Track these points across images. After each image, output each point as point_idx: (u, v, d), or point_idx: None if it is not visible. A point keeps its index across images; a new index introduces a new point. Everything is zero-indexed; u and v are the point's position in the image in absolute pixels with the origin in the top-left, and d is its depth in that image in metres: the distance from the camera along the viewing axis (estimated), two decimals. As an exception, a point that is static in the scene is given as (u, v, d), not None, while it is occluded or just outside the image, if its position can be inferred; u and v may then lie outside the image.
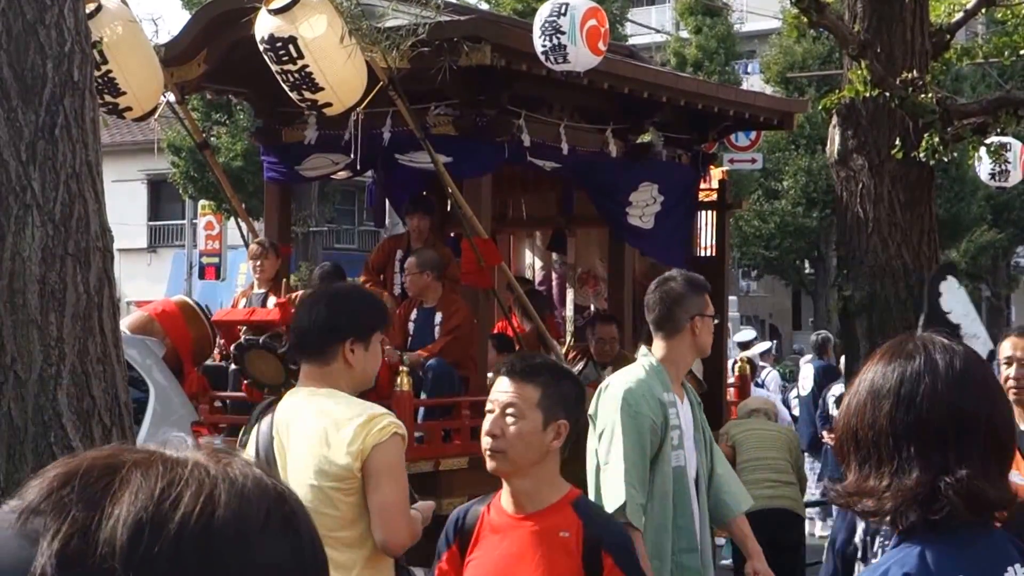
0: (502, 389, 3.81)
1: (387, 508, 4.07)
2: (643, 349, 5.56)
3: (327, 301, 4.34)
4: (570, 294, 11.96)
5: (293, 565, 1.13)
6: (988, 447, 2.36)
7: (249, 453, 4.15)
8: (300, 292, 10.58)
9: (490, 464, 3.79)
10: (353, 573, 4.11)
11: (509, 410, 3.76)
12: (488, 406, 3.84)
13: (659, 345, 5.49)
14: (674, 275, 5.58)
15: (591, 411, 5.41)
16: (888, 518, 2.34)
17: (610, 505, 5.19)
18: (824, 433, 14.24)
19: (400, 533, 4.10)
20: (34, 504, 1.10)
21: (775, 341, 29.78)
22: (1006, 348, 5.39)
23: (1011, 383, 5.20)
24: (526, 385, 3.77)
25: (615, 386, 5.40)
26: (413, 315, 9.40)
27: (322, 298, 4.39)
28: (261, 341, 8.78)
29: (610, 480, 5.27)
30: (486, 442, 3.78)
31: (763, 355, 18.21)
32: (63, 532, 1.07)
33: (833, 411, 13.91)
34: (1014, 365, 5.27)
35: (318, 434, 4.08)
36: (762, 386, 15.54)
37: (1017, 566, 2.34)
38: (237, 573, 1.09)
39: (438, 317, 9.20)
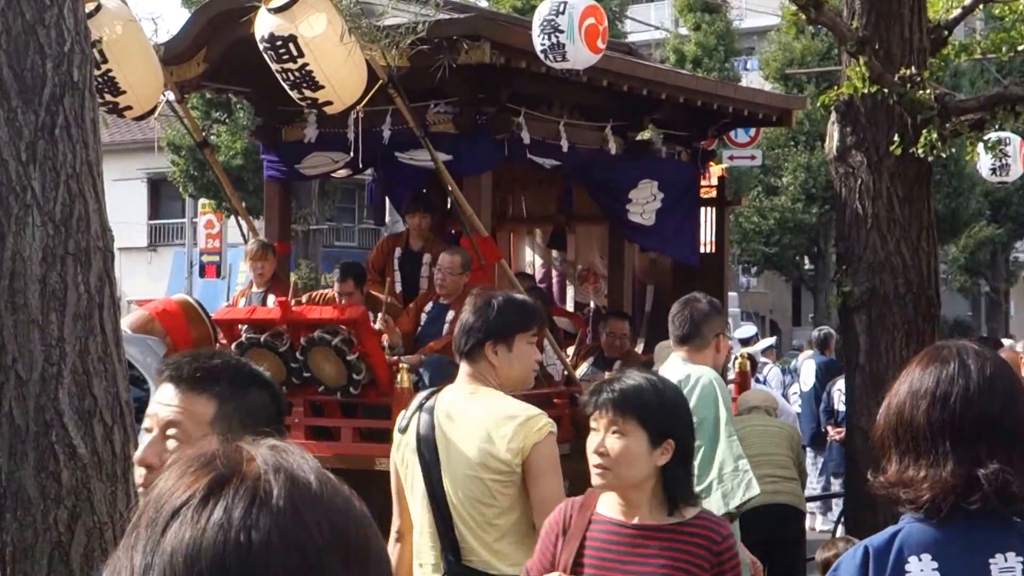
0: (164, 400, 2.78)
1: (548, 500, 4.42)
2: (679, 353, 5.94)
3: (474, 306, 4.68)
4: (570, 291, 11.97)
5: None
6: (1013, 444, 2.61)
7: (410, 435, 4.64)
8: (322, 291, 10.59)
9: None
10: (509, 556, 4.53)
11: (171, 431, 2.74)
12: (145, 422, 2.83)
13: (683, 357, 5.92)
14: (699, 297, 6.09)
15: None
16: (926, 506, 2.58)
17: (742, 496, 5.81)
18: (829, 428, 14.26)
19: None
20: None
21: (776, 337, 29.80)
22: None
23: None
24: (197, 397, 2.74)
25: (709, 379, 5.81)
26: (428, 307, 9.40)
27: (472, 303, 4.72)
28: (262, 340, 8.79)
29: (736, 473, 5.80)
30: (139, 474, 2.78)
31: (764, 351, 18.22)
32: None
33: (838, 406, 13.92)
34: None
35: (480, 431, 4.51)
36: (764, 383, 15.53)
37: (1011, 554, 2.53)
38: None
39: (450, 314, 9.19)
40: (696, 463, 5.50)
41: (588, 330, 11.00)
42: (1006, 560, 2.54)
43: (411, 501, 4.70)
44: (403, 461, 4.72)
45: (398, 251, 10.21)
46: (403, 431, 4.71)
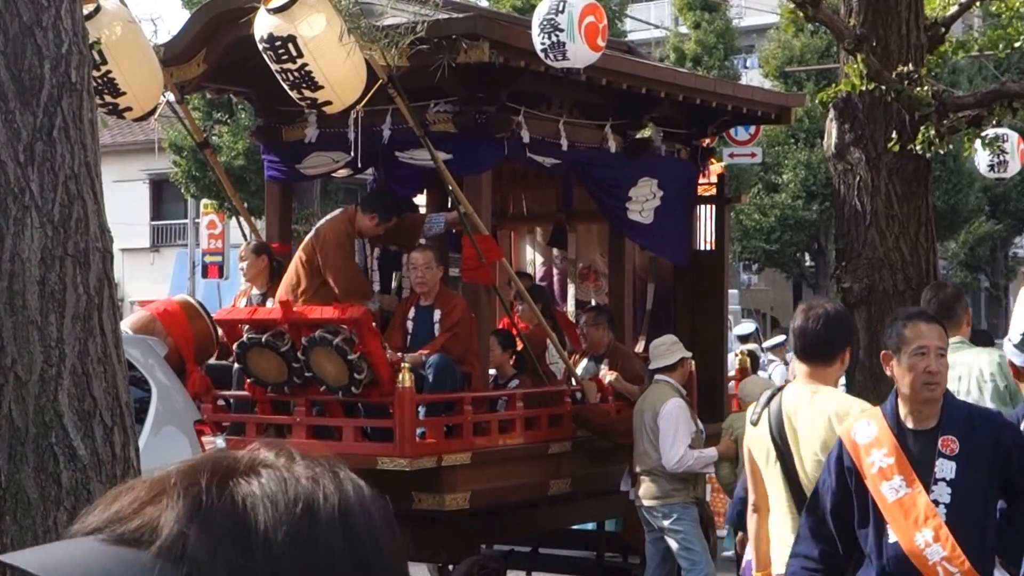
0: None
1: None
2: (957, 338, 6.45)
3: (835, 318, 5.45)
4: (571, 289, 11.98)
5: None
6: None
7: (763, 427, 5.45)
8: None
9: None
10: None
11: None
12: None
13: (957, 340, 6.44)
14: (945, 283, 7.02)
15: (1004, 383, 6.48)
16: None
17: None
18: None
19: None
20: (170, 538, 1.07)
21: (784, 338, 29.75)
22: (920, 335, 4.74)
23: (927, 378, 4.71)
24: None
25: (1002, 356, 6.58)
26: (411, 313, 9.36)
27: (831, 316, 5.45)
28: (263, 340, 8.80)
29: None
30: None
31: (774, 348, 18.19)
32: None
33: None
34: (931, 355, 4.72)
35: (825, 422, 5.25)
36: (768, 379, 15.50)
37: None
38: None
39: (437, 314, 9.19)
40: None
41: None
42: None
43: (768, 482, 5.44)
44: (758, 448, 5.48)
45: (376, 251, 10.17)
46: (755, 424, 5.52)
